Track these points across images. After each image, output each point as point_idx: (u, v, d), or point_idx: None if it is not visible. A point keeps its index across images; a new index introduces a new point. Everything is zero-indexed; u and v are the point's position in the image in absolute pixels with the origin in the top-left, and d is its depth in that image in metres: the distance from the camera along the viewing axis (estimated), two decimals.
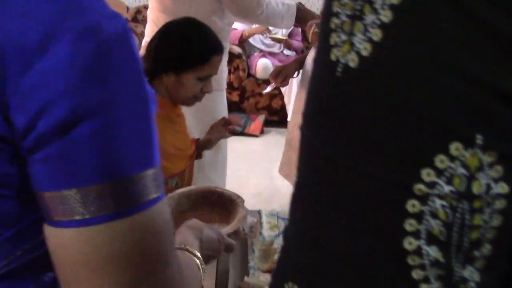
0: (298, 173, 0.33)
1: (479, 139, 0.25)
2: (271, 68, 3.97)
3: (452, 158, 0.25)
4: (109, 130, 0.36)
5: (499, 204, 0.26)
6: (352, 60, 0.28)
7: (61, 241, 0.38)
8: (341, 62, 0.29)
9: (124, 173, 0.37)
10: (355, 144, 0.28)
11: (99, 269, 0.38)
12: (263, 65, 3.94)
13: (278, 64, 3.54)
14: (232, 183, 2.20)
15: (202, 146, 1.62)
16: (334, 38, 0.30)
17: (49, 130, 0.34)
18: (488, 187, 0.25)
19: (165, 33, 1.40)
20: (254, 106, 4.09)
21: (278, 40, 3.92)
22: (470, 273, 0.27)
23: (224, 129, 1.63)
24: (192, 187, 1.23)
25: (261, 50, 4.00)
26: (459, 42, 0.24)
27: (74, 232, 0.37)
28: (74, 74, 0.34)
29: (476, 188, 0.25)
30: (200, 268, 0.65)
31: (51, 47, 0.33)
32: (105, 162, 0.36)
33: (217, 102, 1.85)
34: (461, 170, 0.25)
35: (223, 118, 1.67)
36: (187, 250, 0.66)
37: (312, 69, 0.33)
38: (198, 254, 0.66)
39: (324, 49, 0.30)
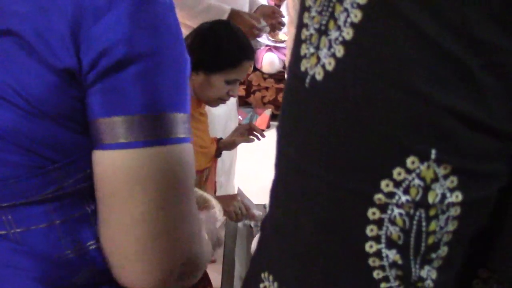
0: (275, 171, 0.35)
1: (433, 154, 0.26)
2: (277, 62, 3.98)
3: (409, 171, 0.27)
4: (153, 73, 0.45)
5: (454, 211, 0.28)
6: (318, 74, 0.29)
7: (107, 161, 0.46)
8: (309, 74, 0.30)
9: (162, 109, 0.46)
10: (321, 154, 0.30)
11: (134, 187, 0.46)
12: (269, 59, 3.95)
13: (284, 58, 3.55)
14: (238, 177, 2.22)
15: (224, 146, 1.64)
16: (304, 49, 0.31)
17: (108, 67, 0.44)
18: (443, 196, 0.27)
19: (200, 33, 1.43)
20: (260, 100, 4.11)
21: (281, 41, 3.92)
22: (428, 272, 0.29)
23: (248, 133, 1.65)
24: None
25: (267, 45, 4.01)
26: (413, 62, 0.26)
27: (119, 153, 0.45)
28: (131, 27, 0.43)
29: (431, 198, 0.27)
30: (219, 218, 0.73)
31: (116, 5, 0.43)
32: (148, 98, 0.45)
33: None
34: (417, 182, 0.27)
35: (250, 124, 1.71)
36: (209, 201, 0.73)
37: (286, 77, 0.34)
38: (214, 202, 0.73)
39: (296, 59, 0.31)
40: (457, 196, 0.28)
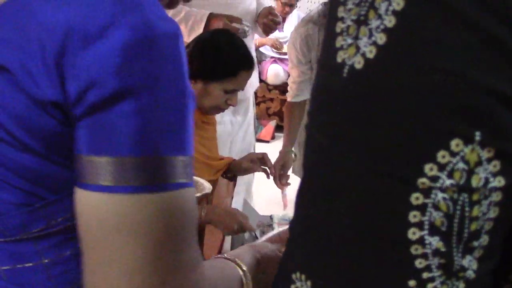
0: (304, 170, 0.35)
1: (477, 136, 0.26)
2: (282, 74, 3.99)
3: (453, 154, 0.27)
4: (149, 110, 0.40)
5: (496, 196, 0.28)
6: (358, 62, 0.30)
7: (87, 203, 0.41)
8: (347, 64, 0.30)
9: (155, 152, 0.40)
10: (360, 141, 0.30)
11: (117, 237, 0.40)
12: (274, 71, 3.98)
13: None
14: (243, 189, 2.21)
15: (233, 168, 1.60)
16: (340, 42, 0.31)
17: (96, 102, 0.39)
18: (486, 180, 0.27)
19: (200, 41, 1.43)
20: (265, 112, 4.12)
21: (286, 53, 3.96)
22: (469, 262, 0.29)
23: (261, 163, 1.62)
24: None
25: (272, 56, 4.03)
26: (455, 46, 0.26)
27: (99, 196, 0.40)
28: (124, 59, 0.39)
29: (475, 182, 0.27)
30: (244, 280, 0.62)
31: (109, 33, 0.39)
32: (140, 138, 0.40)
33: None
34: (461, 165, 0.27)
35: (263, 154, 1.65)
36: (235, 262, 0.63)
37: (317, 70, 0.34)
38: (245, 268, 0.63)
39: (330, 51, 0.32)
40: (499, 181, 0.27)
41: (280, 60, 4.04)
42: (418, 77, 0.27)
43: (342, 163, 0.31)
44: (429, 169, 0.27)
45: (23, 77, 0.40)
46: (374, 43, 0.29)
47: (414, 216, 0.28)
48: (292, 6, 3.93)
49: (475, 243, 0.29)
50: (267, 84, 4.04)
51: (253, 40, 2.01)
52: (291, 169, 2.09)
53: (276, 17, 1.86)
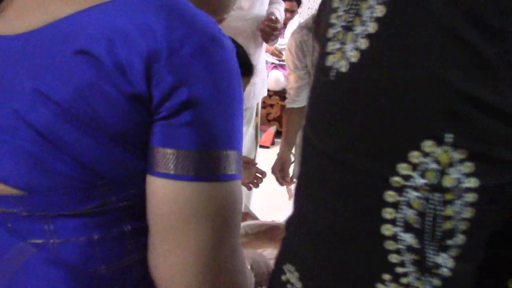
0: (300, 167, 0.37)
1: (449, 137, 0.28)
2: (282, 80, 4.01)
3: (425, 154, 0.28)
4: (210, 114, 0.47)
5: (470, 197, 0.29)
6: (343, 66, 0.31)
7: (155, 187, 0.48)
8: (334, 67, 0.32)
9: (216, 147, 0.48)
10: (342, 139, 0.31)
11: (190, 221, 0.48)
12: (274, 77, 3.99)
13: None
14: (243, 194, 2.20)
15: None
16: (330, 46, 0.33)
17: (172, 107, 0.47)
18: (459, 181, 0.28)
19: None
20: (265, 117, 4.13)
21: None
22: (444, 260, 0.30)
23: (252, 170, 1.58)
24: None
25: (272, 62, 4.05)
26: (432, 50, 0.27)
27: (165, 183, 0.48)
28: (194, 71, 0.46)
29: (447, 182, 0.28)
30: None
31: (182, 48, 0.46)
32: (203, 136, 0.47)
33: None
34: (433, 165, 0.28)
35: (248, 159, 1.62)
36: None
37: (313, 73, 0.36)
38: (248, 266, 0.72)
39: (323, 55, 0.34)
40: (473, 182, 0.28)
41: (280, 66, 4.05)
42: (395, 81, 0.28)
43: (327, 160, 0.32)
44: (403, 168, 0.28)
45: (111, 68, 0.45)
46: (358, 48, 0.30)
47: (388, 213, 0.29)
48: (293, 12, 3.95)
49: (450, 242, 0.30)
50: (267, 90, 4.06)
51: (262, 47, 1.94)
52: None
53: (273, 23, 1.79)
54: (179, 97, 0.46)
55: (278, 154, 2.04)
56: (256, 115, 2.12)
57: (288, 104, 2.05)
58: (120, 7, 0.47)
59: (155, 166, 0.48)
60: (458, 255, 0.30)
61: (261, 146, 4.04)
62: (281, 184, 1.98)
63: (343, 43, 0.32)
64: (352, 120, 0.30)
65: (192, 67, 0.46)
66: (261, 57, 1.93)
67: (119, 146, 0.48)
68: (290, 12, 3.92)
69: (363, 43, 0.30)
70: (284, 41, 3.96)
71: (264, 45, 1.92)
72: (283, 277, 0.36)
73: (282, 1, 2.05)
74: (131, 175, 0.49)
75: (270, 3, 1.91)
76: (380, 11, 0.29)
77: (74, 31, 0.47)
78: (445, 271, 0.30)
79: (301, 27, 1.91)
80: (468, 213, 0.29)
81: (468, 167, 0.28)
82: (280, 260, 0.38)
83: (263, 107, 4.10)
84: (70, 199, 0.48)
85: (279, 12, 1.94)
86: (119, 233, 0.51)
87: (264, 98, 4.03)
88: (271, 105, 4.04)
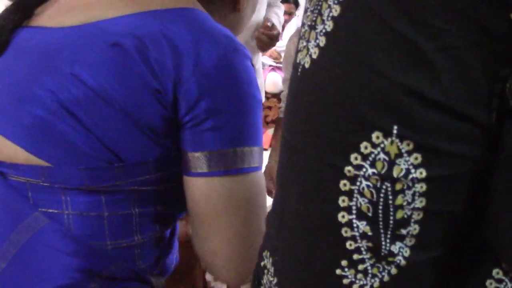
0: (278, 162, 0.39)
1: (395, 129, 0.29)
2: (280, 82, 4.02)
3: (374, 145, 0.30)
4: (234, 117, 0.54)
5: (420, 187, 0.30)
6: (307, 62, 0.33)
7: (192, 186, 0.56)
8: (301, 63, 0.34)
9: (238, 144, 0.54)
10: (304, 132, 0.33)
11: (215, 208, 0.56)
12: (272, 79, 4.01)
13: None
14: None
15: None
16: (300, 44, 0.35)
17: (198, 114, 0.53)
18: (408, 171, 0.30)
19: None
20: (263, 120, 4.14)
21: None
22: (399, 249, 0.31)
23: None
24: None
25: (270, 65, 4.07)
26: (375, 46, 0.29)
27: (201, 180, 0.55)
28: (218, 80, 0.53)
29: (396, 172, 0.30)
30: None
31: (207, 58, 0.52)
32: (227, 137, 0.54)
33: None
34: (382, 156, 0.30)
35: None
36: None
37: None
38: None
39: (296, 53, 0.36)
40: (421, 173, 0.30)
41: (278, 69, 4.07)
42: (346, 76, 0.30)
43: (295, 152, 0.34)
44: (354, 158, 0.30)
45: (145, 67, 0.51)
46: (318, 45, 0.32)
47: (343, 201, 0.31)
48: (291, 14, 3.97)
49: (403, 231, 0.31)
50: (265, 92, 4.07)
51: (259, 52, 1.88)
52: None
53: (269, 30, 1.71)
54: (203, 106, 0.52)
55: (266, 164, 2.03)
56: None
57: (281, 113, 1.97)
58: (155, 16, 0.54)
59: (190, 168, 0.55)
60: (414, 244, 0.31)
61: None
62: (269, 194, 1.98)
63: (308, 41, 0.34)
64: (312, 114, 0.32)
65: (215, 77, 0.52)
66: (259, 61, 1.92)
67: (141, 132, 0.53)
68: (288, 14, 3.94)
69: (321, 41, 0.32)
70: (283, 43, 3.98)
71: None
72: (262, 263, 0.38)
73: (282, 5, 2.03)
74: (146, 161, 0.54)
75: (269, 7, 1.89)
76: (335, 10, 0.31)
77: (111, 29, 0.53)
78: (400, 260, 0.32)
79: (299, 31, 1.90)
80: (419, 203, 0.31)
81: (416, 158, 0.30)
82: (262, 247, 0.40)
83: None
84: (89, 175, 0.53)
85: (278, 17, 1.88)
86: (127, 214, 0.56)
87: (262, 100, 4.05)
88: (269, 108, 4.05)
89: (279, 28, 1.85)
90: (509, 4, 0.27)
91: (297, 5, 4.10)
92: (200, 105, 0.52)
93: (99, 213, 0.54)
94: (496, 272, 0.32)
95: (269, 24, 1.73)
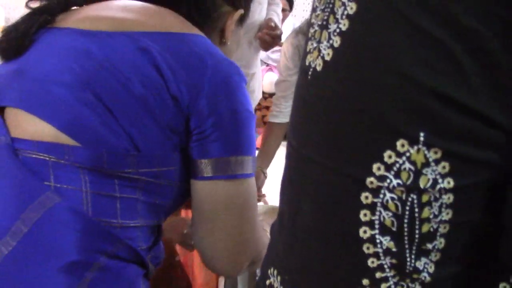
0: (283, 172, 0.36)
1: (421, 136, 0.27)
2: None
3: (399, 154, 0.27)
4: (232, 130, 0.63)
5: (447, 198, 0.28)
6: (319, 65, 0.31)
7: (197, 188, 0.65)
8: (311, 66, 0.32)
9: (238, 153, 0.63)
10: (319, 140, 0.30)
11: (216, 208, 0.65)
12: (269, 79, 3.98)
13: None
14: None
15: None
16: (309, 46, 0.33)
17: (206, 129, 0.62)
18: (435, 181, 0.28)
19: None
20: (261, 120, 4.12)
21: None
22: (424, 265, 0.29)
23: None
24: None
25: (267, 64, 4.04)
26: (402, 48, 0.27)
27: (205, 183, 0.64)
28: (222, 100, 0.62)
29: (423, 183, 0.27)
30: None
31: (216, 81, 0.62)
32: (228, 146, 0.63)
33: None
34: (408, 165, 0.27)
35: None
36: None
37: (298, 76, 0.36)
38: None
39: (304, 55, 0.34)
40: (449, 182, 0.28)
41: (275, 68, 4.05)
42: (366, 79, 0.28)
43: (307, 162, 0.31)
44: (377, 168, 0.28)
45: (165, 72, 0.60)
46: (331, 46, 0.30)
47: (364, 215, 0.28)
48: (284, 11, 3.94)
49: (429, 245, 0.29)
50: (263, 92, 4.05)
51: (258, 54, 1.87)
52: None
53: (272, 30, 1.72)
54: (210, 122, 0.61)
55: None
56: None
57: (270, 117, 1.86)
58: (176, 36, 0.63)
59: (198, 173, 0.64)
60: (439, 259, 0.29)
61: (257, 149, 4.03)
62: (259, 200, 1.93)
63: (319, 42, 0.31)
64: (328, 121, 0.30)
65: (223, 98, 0.62)
66: (258, 63, 1.91)
67: (159, 128, 0.60)
68: (282, 11, 3.91)
69: (336, 41, 0.29)
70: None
71: (260, 51, 1.88)
72: (268, 281, 0.36)
73: (280, 3, 2.02)
74: (158, 154, 0.61)
75: (268, 4, 1.88)
76: (351, 8, 0.29)
77: (141, 38, 0.61)
78: (425, 277, 0.29)
79: (297, 32, 1.87)
80: (446, 215, 0.28)
81: (444, 167, 0.27)
82: (266, 264, 0.38)
83: (258, 110, 4.09)
84: (109, 159, 0.58)
85: (277, 15, 1.89)
86: (134, 198, 0.61)
87: (260, 100, 4.03)
88: (267, 107, 4.03)
89: (280, 26, 1.85)
90: None
91: (291, 3, 4.07)
92: (208, 122, 0.61)
93: (111, 194, 0.60)
94: (503, 287, 0.30)
95: (272, 24, 1.75)
